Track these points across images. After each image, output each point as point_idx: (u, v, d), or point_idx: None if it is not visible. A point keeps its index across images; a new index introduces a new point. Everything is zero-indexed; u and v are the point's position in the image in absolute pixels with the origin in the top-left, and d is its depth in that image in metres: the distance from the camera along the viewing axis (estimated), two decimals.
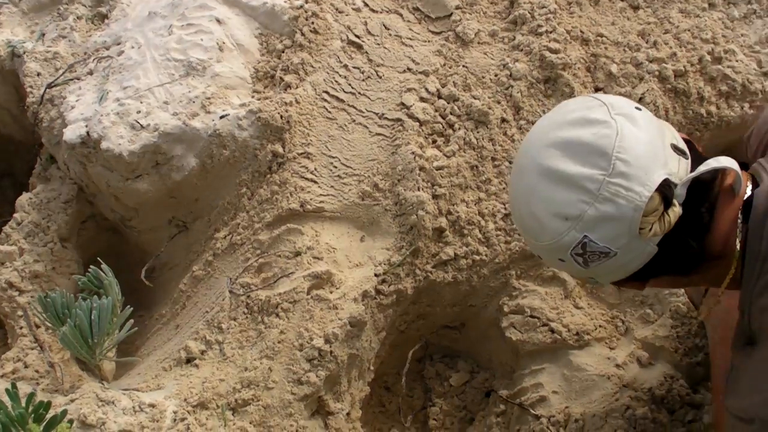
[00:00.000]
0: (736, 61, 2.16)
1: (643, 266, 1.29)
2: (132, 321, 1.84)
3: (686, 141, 1.33)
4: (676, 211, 1.22)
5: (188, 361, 1.90)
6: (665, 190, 1.21)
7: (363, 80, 2.21)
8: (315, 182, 2.07)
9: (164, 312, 2.20)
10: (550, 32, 2.17)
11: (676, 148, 1.27)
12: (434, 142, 2.10)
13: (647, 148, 1.22)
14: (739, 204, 1.29)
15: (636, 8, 2.33)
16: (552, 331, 1.99)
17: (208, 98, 2.14)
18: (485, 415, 2.09)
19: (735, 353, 1.35)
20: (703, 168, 1.25)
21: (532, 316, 2.02)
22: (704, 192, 1.27)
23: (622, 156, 1.19)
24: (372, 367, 2.03)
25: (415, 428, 2.17)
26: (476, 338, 2.20)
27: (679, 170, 1.24)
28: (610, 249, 1.23)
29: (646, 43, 2.20)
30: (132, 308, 1.84)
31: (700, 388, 1.93)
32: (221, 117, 2.10)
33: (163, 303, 2.25)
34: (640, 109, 1.29)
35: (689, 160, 1.28)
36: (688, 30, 2.22)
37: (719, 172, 1.29)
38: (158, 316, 2.23)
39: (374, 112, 2.16)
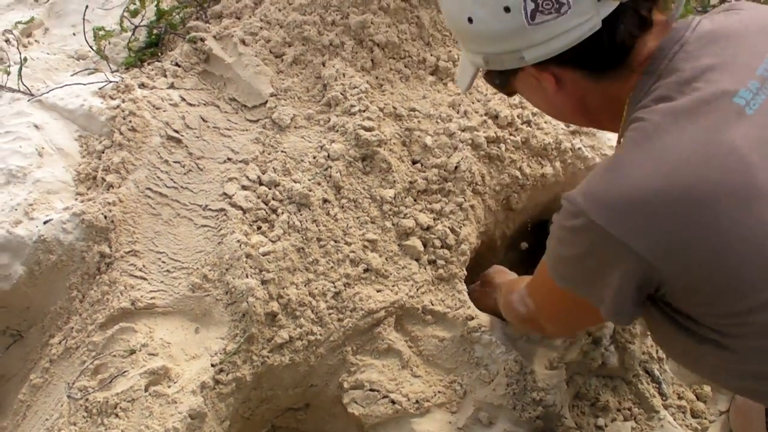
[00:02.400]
0: (545, 122, 2.63)
1: (571, 50, 1.47)
2: None
3: None
4: None
5: None
6: None
7: (185, 174, 2.56)
8: (144, 279, 2.38)
9: (5, 425, 2.42)
10: (364, 111, 2.58)
11: None
12: (259, 228, 2.44)
13: None
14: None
15: (445, 81, 2.80)
16: (393, 402, 2.34)
17: (31, 204, 2.46)
18: None
19: None
20: None
21: (372, 390, 2.36)
22: (650, 2, 1.55)
23: None
24: None
25: None
26: (322, 417, 2.52)
27: None
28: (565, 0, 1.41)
29: (458, 113, 2.64)
30: None
31: None
32: (45, 222, 2.42)
33: (4, 415, 2.48)
34: None
35: None
36: (497, 97, 2.68)
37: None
38: (0, 430, 2.44)
39: (198, 204, 2.51)
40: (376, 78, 2.74)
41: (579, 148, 2.64)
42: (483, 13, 1.48)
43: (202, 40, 2.85)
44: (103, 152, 2.64)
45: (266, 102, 2.73)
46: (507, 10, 1.43)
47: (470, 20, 1.51)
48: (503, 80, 1.68)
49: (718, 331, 1.44)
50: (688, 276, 1.37)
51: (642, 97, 1.49)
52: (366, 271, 2.45)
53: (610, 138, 2.66)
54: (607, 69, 1.54)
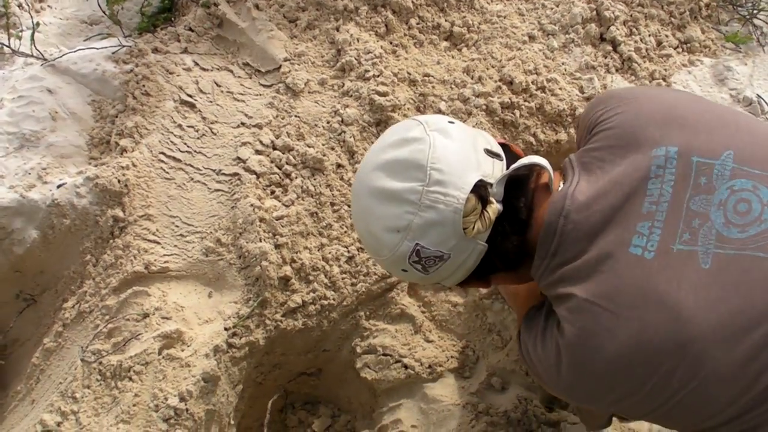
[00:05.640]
0: (560, 89, 2.63)
1: (479, 264, 1.60)
2: None
3: (503, 144, 1.68)
4: (494, 208, 1.54)
5: None
6: (480, 190, 1.52)
7: (198, 138, 2.58)
8: (158, 243, 2.40)
9: (20, 388, 2.45)
10: (377, 76, 2.58)
11: (489, 152, 1.60)
12: (272, 192, 2.45)
13: (459, 156, 1.54)
14: None
15: (459, 47, 2.81)
16: (405, 366, 2.37)
17: (44, 169, 2.49)
18: None
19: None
20: (515, 165, 1.58)
21: (384, 354, 2.38)
22: (521, 189, 1.60)
23: (436, 166, 1.51)
24: (233, 422, 2.32)
25: None
26: (334, 382, 2.55)
27: (494, 171, 1.57)
28: (443, 252, 1.54)
29: (472, 79, 2.64)
30: None
31: (555, 406, 2.32)
32: (59, 186, 2.45)
33: (18, 379, 2.51)
34: (453, 122, 1.62)
35: (504, 162, 1.62)
36: (511, 63, 2.69)
37: (534, 172, 1.64)
38: (14, 393, 2.48)
39: (211, 169, 2.52)
40: (390, 43, 2.74)
41: None
42: (393, 271, 1.65)
43: (216, 4, 2.85)
44: (117, 116, 2.66)
45: (280, 67, 2.73)
46: (405, 270, 1.59)
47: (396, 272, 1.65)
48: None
49: None
50: (645, 417, 1.50)
51: (545, 275, 1.56)
52: None
53: None
54: (515, 266, 1.65)
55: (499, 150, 1.63)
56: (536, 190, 1.63)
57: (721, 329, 1.34)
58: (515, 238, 1.59)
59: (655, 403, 1.41)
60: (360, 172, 1.66)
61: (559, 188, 1.60)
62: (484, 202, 1.53)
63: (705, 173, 1.45)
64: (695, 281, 1.37)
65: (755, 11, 3.03)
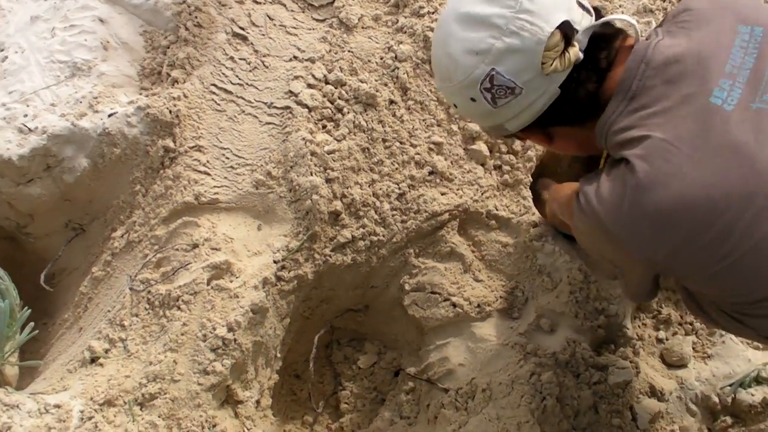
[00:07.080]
0: None
1: (546, 111, 1.62)
2: (32, 324, 2.18)
3: (595, 8, 1.67)
4: (575, 51, 1.54)
5: (92, 360, 2.19)
6: (566, 29, 1.53)
7: (250, 71, 2.56)
8: (208, 174, 2.40)
9: (67, 316, 2.48)
10: (432, 13, 2.54)
11: (581, 5, 1.60)
12: (324, 127, 2.44)
13: None
14: None
15: None
16: (454, 305, 2.35)
17: (96, 98, 2.48)
18: (395, 394, 2.43)
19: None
20: (603, 19, 1.61)
21: (433, 293, 2.36)
22: (605, 44, 1.61)
23: None
24: (279, 355, 2.34)
25: (327, 413, 2.49)
26: (381, 319, 2.54)
27: (582, 21, 1.57)
28: (515, 84, 1.55)
29: None
30: (30, 310, 2.16)
31: (603, 350, 2.31)
32: (110, 115, 2.43)
33: (66, 308, 2.53)
34: None
35: (593, 18, 1.62)
36: None
37: (621, 35, 1.65)
38: (61, 321, 2.51)
39: (263, 102, 2.50)
40: None
41: None
42: (459, 101, 1.68)
43: None
44: (168, 48, 2.64)
45: (333, 1, 2.71)
46: (473, 100, 1.61)
47: (455, 105, 1.73)
48: (513, 139, 2.06)
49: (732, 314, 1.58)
50: (700, 276, 1.51)
51: (620, 119, 1.55)
52: (431, 173, 2.43)
53: None
54: (584, 119, 1.65)
55: (590, 8, 1.64)
56: (620, 50, 1.63)
57: None
58: (591, 86, 1.60)
59: (711, 258, 1.42)
60: (451, 1, 1.67)
61: None
62: (568, 41, 1.54)
63: None
64: None
65: None
